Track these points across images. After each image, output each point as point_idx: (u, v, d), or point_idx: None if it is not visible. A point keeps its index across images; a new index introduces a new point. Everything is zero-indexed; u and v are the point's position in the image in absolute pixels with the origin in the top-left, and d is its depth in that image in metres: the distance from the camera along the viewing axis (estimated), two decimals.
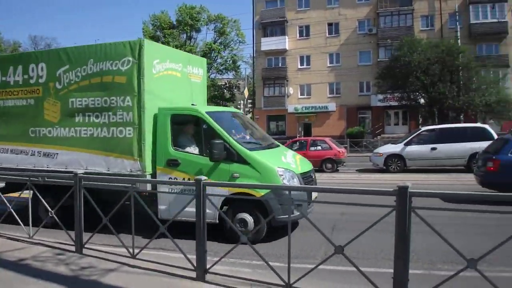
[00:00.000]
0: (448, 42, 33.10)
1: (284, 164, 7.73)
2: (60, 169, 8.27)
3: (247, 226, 7.23)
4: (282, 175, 7.31)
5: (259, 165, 7.32)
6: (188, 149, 7.91)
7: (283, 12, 45.09)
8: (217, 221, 7.33)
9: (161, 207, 7.75)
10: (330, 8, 43.89)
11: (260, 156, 7.56)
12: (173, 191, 7.53)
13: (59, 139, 8.47)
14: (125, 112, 7.82)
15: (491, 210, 3.96)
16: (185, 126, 8.30)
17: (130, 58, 7.74)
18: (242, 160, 7.39)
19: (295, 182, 7.45)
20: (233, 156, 7.41)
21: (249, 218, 7.27)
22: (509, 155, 10.68)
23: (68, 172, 7.40)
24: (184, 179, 7.61)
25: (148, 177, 7.73)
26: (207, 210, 6.20)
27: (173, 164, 7.75)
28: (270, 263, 4.87)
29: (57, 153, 8.48)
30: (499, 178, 10.68)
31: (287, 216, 6.92)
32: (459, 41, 35.34)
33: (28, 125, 8.84)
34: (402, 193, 3.91)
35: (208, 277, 5.08)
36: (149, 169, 7.81)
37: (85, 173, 7.39)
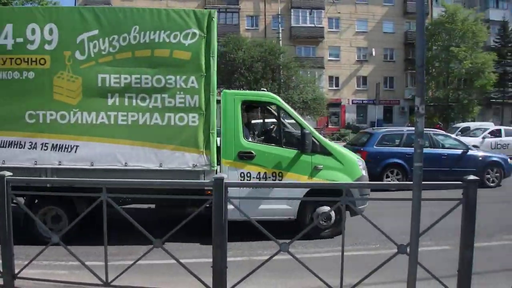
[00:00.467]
0: (270, 42, 35.45)
1: (355, 155, 7.78)
2: (81, 167, 6.60)
3: (331, 220, 7.04)
4: (360, 165, 7.33)
5: (343, 157, 7.19)
6: (261, 139, 7.36)
7: None
8: (295, 217, 7.01)
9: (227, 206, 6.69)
10: None
11: (338, 147, 7.41)
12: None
13: (79, 127, 6.63)
14: (188, 95, 6.61)
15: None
16: (257, 113, 7.74)
17: (196, 31, 6.61)
18: (325, 151, 7.09)
19: (366, 173, 7.49)
20: (316, 147, 7.03)
21: (330, 211, 6.88)
22: (374, 147, 12.12)
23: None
24: (259, 173, 6.91)
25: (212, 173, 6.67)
26: (286, 206, 6.85)
27: (246, 157, 6.91)
28: (90, 262, 4.64)
29: (77, 146, 6.63)
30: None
31: (364, 206, 7.10)
32: (280, 42, 38.03)
33: (24, 107, 6.64)
34: (218, 184, 4.02)
35: (18, 282, 4.64)
36: (215, 163, 6.81)
37: (125, 170, 6.55)
